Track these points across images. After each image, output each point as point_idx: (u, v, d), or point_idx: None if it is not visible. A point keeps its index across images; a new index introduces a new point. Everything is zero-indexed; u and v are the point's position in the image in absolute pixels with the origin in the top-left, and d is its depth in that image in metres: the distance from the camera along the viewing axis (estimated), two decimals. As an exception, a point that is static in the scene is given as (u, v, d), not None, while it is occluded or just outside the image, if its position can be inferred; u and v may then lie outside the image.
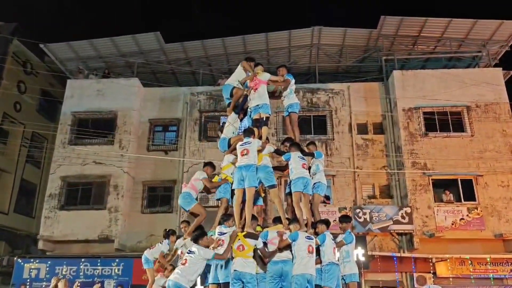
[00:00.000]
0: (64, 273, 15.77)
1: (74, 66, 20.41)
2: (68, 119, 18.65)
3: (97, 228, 16.90)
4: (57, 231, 17.00)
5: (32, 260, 16.46)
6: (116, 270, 15.98)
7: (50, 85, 22.53)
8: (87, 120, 18.70)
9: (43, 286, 15.58)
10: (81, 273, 15.92)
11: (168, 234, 8.71)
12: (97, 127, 18.24)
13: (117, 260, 16.21)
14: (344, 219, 7.55)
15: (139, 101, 19.24)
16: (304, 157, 7.28)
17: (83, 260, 16.23)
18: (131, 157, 18.03)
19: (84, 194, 17.65)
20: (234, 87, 8.20)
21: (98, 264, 16.13)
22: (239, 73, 8.27)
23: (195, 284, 6.54)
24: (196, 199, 7.72)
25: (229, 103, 8.27)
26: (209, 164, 7.94)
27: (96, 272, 16.02)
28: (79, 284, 12.70)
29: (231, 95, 8.22)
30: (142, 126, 19.16)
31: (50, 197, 17.55)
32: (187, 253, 6.31)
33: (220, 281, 6.32)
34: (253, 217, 6.81)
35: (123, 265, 16.03)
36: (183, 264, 6.17)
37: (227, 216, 6.77)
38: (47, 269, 16.05)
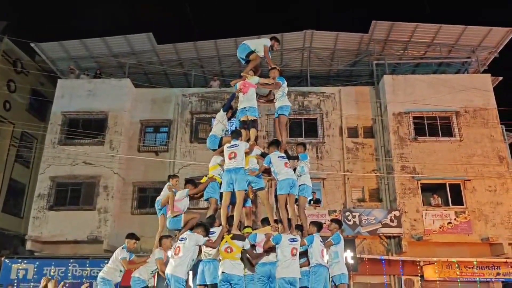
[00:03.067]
0: (52, 273, 15.61)
1: (65, 66, 20.30)
2: (58, 119, 18.54)
3: (86, 229, 16.81)
4: (46, 232, 16.88)
5: (20, 260, 16.29)
6: (105, 271, 15.85)
7: (41, 84, 22.38)
8: (77, 120, 18.60)
9: (31, 286, 15.45)
10: (69, 274, 15.79)
11: (169, 177, 8.40)
12: (88, 128, 18.17)
13: (106, 261, 15.96)
14: (334, 221, 7.57)
15: (131, 101, 19.19)
16: (284, 156, 7.22)
17: (71, 261, 16.09)
18: (122, 158, 17.96)
19: (74, 194, 17.54)
20: (253, 51, 8.28)
21: (87, 265, 16.00)
22: (260, 46, 8.37)
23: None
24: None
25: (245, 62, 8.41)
26: (190, 182, 7.87)
27: (85, 273, 15.90)
28: (65, 285, 12.59)
29: (247, 56, 8.33)
30: (133, 127, 19.10)
31: (39, 197, 17.42)
32: (179, 240, 6.39)
33: (208, 283, 6.34)
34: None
35: (112, 266, 15.92)
36: (176, 254, 6.25)
37: (211, 219, 6.81)
38: (35, 269, 15.90)
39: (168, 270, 6.23)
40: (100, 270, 15.65)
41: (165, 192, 8.10)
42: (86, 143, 18.08)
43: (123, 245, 7.82)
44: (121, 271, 7.73)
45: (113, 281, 7.65)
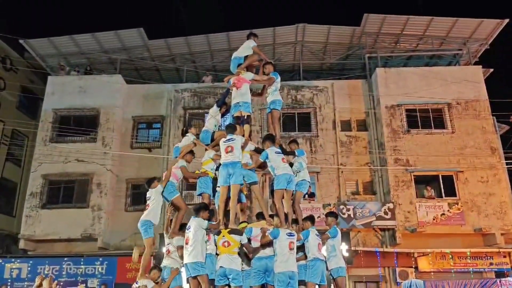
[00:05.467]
0: (46, 272, 15.51)
1: (55, 63, 20.06)
2: (49, 116, 18.35)
3: (80, 226, 16.69)
4: (39, 230, 16.74)
5: (13, 260, 16.18)
6: (99, 269, 15.82)
7: (31, 81, 22.11)
8: (69, 117, 18.42)
9: (25, 286, 15.36)
10: (64, 273, 15.72)
11: (186, 130, 8.36)
12: (80, 125, 17.99)
13: (100, 259, 16.05)
14: (330, 214, 7.64)
15: (122, 98, 19.03)
16: (280, 151, 7.22)
17: (65, 259, 16.02)
18: (115, 154, 17.84)
19: (67, 192, 17.40)
20: (246, 57, 8.22)
21: (81, 263, 15.95)
22: (248, 49, 8.34)
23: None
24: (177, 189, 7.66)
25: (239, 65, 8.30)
26: (190, 152, 7.82)
27: (79, 271, 15.85)
28: (59, 284, 12.53)
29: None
30: (126, 123, 18.97)
31: (31, 196, 17.25)
32: (187, 230, 6.40)
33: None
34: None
35: (107, 263, 15.88)
36: (187, 243, 6.27)
37: (211, 213, 6.78)
38: (29, 268, 15.81)
39: (185, 261, 6.26)
40: (94, 268, 15.75)
41: (186, 141, 8.00)
42: (78, 141, 17.91)
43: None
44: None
45: None
